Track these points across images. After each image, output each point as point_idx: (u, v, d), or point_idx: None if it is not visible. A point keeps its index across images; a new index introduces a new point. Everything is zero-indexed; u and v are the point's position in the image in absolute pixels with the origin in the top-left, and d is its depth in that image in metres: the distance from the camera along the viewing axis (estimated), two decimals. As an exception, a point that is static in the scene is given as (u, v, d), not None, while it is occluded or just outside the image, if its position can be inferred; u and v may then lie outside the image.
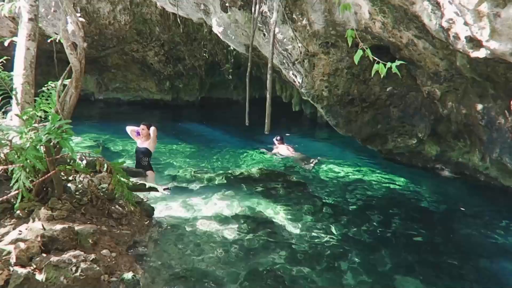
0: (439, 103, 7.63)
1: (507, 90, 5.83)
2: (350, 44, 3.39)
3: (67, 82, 5.11)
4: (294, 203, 7.01)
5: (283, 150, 10.52)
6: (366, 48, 3.35)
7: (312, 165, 9.57)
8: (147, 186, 6.55)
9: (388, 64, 3.07)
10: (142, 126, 7.65)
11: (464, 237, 6.19)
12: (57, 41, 5.90)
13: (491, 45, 4.62)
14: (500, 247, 5.87)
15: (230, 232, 5.78)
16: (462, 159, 8.32)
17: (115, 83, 17.90)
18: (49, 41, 7.25)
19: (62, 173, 5.10)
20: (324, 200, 7.34)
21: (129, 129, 7.80)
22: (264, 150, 10.72)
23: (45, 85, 5.50)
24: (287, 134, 12.79)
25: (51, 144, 4.50)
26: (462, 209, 7.27)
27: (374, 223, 6.47)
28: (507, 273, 5.20)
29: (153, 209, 5.77)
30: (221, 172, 8.63)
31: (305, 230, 6.04)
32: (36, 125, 4.70)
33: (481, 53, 4.94)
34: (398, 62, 3.05)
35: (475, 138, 7.48)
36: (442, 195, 7.88)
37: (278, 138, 10.78)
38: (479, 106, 6.84)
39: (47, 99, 5.40)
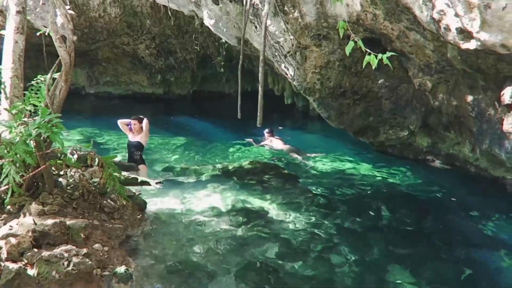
0: (430, 95, 7.68)
1: (497, 81, 5.88)
2: (341, 36, 3.39)
3: (56, 75, 5.05)
4: (286, 196, 7.03)
5: (276, 143, 10.53)
6: (358, 40, 3.35)
7: (307, 155, 9.62)
8: (139, 180, 6.52)
9: (379, 56, 3.08)
10: (133, 121, 7.60)
11: (454, 227, 6.26)
12: (46, 34, 5.81)
13: (482, 37, 4.64)
14: (488, 237, 5.95)
15: (222, 225, 5.79)
16: (452, 151, 8.39)
17: (106, 76, 17.74)
18: (38, 34, 7.14)
19: (53, 168, 5.06)
20: (316, 192, 7.38)
21: (121, 122, 7.75)
22: (250, 140, 10.73)
23: (34, 79, 5.43)
24: (279, 127, 12.80)
25: (41, 138, 4.46)
26: (452, 199, 7.35)
27: (366, 215, 6.51)
28: (494, 262, 5.28)
29: (145, 203, 5.75)
30: (213, 165, 8.62)
31: (297, 222, 6.07)
32: (25, 119, 4.65)
33: (471, 45, 4.97)
34: (389, 54, 3.06)
35: (466, 130, 7.54)
36: (433, 186, 7.96)
37: (268, 130, 10.73)
38: (470, 98, 6.89)
39: (36, 93, 5.34)
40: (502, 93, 5.36)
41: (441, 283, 4.67)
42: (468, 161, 8.10)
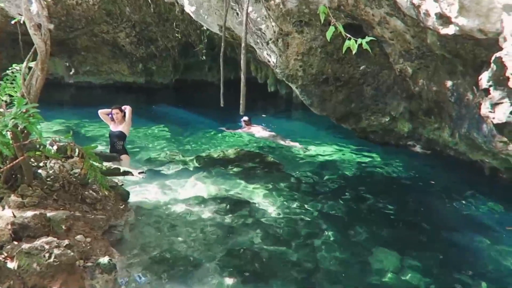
0: (410, 81, 7.76)
1: (475, 66, 5.96)
2: (322, 21, 3.38)
3: (32, 64, 4.92)
4: (271, 183, 7.06)
5: (256, 130, 10.48)
6: (339, 25, 3.34)
7: (289, 142, 9.66)
8: (121, 170, 6.46)
9: (359, 41, 3.08)
10: (114, 111, 7.47)
11: (434, 210, 6.41)
12: (21, 22, 5.64)
13: (460, 22, 4.69)
14: (467, 219, 6.11)
15: (207, 214, 5.79)
16: (433, 136, 8.53)
17: (86, 66, 17.34)
18: (13, 22, 6.91)
19: (31, 159, 4.95)
20: (300, 179, 7.43)
21: (102, 113, 7.61)
22: (223, 129, 10.68)
23: (9, 68, 5.28)
24: (263, 115, 12.79)
25: (18, 129, 4.35)
26: (433, 183, 7.50)
27: (349, 200, 6.60)
28: (472, 242, 5.43)
29: (128, 193, 5.70)
30: (197, 154, 8.58)
31: (282, 209, 6.11)
32: (1, 110, 4.53)
33: (450, 30, 5.02)
34: (368, 39, 3.06)
35: (445, 115, 7.67)
36: (414, 171, 8.10)
37: (246, 119, 10.55)
38: (449, 83, 6.99)
39: (12, 83, 5.20)
40: (480, 78, 5.44)
41: (422, 265, 4.78)
42: (448, 145, 8.25)
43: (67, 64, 17.17)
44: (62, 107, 13.26)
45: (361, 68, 8.27)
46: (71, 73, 12.01)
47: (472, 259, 5.01)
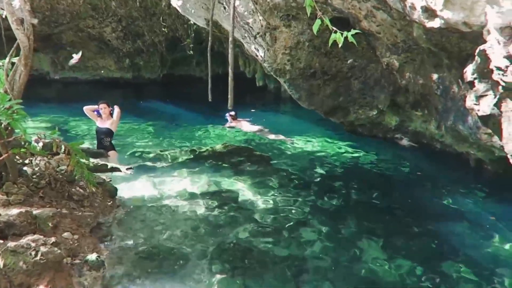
0: (397, 74, 7.82)
1: (461, 59, 6.02)
2: (308, 14, 3.37)
3: (15, 60, 4.83)
4: (260, 177, 7.07)
5: (244, 125, 10.45)
6: (325, 18, 3.34)
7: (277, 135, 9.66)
8: (109, 167, 6.42)
9: (345, 34, 3.09)
10: (102, 106, 7.40)
11: (421, 202, 6.49)
12: (3, 17, 5.53)
13: (445, 15, 4.73)
14: (453, 210, 6.20)
15: (196, 209, 5.78)
16: (419, 128, 8.62)
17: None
18: (-6, 17, 6.78)
19: (16, 156, 4.88)
20: (288, 173, 7.45)
21: (87, 109, 7.53)
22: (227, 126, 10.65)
23: (-8, 64, 5.17)
24: (252, 110, 12.77)
25: (2, 126, 4.28)
26: (420, 175, 7.59)
27: (337, 193, 6.65)
28: (457, 232, 5.52)
29: (116, 189, 5.66)
30: (185, 149, 8.54)
31: (271, 203, 6.13)
32: (-17, 106, 4.44)
33: (435, 23, 5.06)
34: (354, 31, 3.07)
35: (432, 108, 7.75)
36: (401, 164, 8.19)
37: (233, 113, 10.41)
38: (435, 76, 7.06)
39: (-6, 79, 5.09)
40: (465, 70, 5.50)
41: (409, 256, 4.85)
42: (434, 138, 8.35)
43: (53, 60, 16.91)
44: (47, 103, 13.05)
45: (349, 61, 8.30)
46: (74, 60, 11.54)
47: (458, 248, 5.09)
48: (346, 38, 3.23)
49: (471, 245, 5.18)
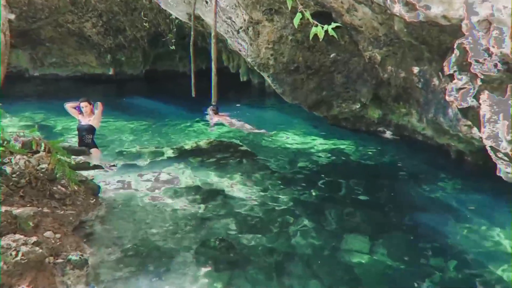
0: (379, 68, 7.89)
1: (441, 52, 6.11)
2: (289, 7, 3.37)
3: (-9, 56, 4.71)
4: (244, 172, 7.08)
5: (227, 120, 10.34)
6: (306, 12, 3.34)
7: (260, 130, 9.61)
8: (91, 164, 6.33)
9: (325, 27, 3.09)
10: (83, 104, 7.27)
11: (403, 194, 6.59)
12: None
13: (424, 8, 4.79)
14: (433, 200, 6.32)
15: (181, 205, 5.75)
16: (402, 121, 8.74)
17: (51, 57, 16.72)
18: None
19: (-6, 155, 4.77)
20: (273, 167, 7.47)
21: (68, 106, 7.39)
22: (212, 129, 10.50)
23: (-33, 61, 5.03)
24: (236, 105, 12.73)
25: (-22, 124, 4.17)
26: (403, 168, 7.70)
27: (322, 187, 6.70)
28: (439, 222, 5.64)
29: (99, 187, 5.59)
30: (169, 145, 8.48)
31: (256, 198, 6.14)
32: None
33: (416, 17, 5.11)
34: (334, 25, 3.08)
35: (413, 101, 7.86)
36: (385, 156, 8.29)
37: (212, 107, 10.15)
38: (416, 69, 7.15)
39: (-30, 76, 4.96)
40: (445, 63, 5.59)
41: (392, 246, 4.93)
42: (416, 130, 8.48)
43: (32, 56, 16.52)
44: (27, 100, 12.76)
45: (331, 56, 8.33)
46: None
47: (439, 238, 5.20)
48: (328, 32, 3.23)
49: (452, 235, 5.30)
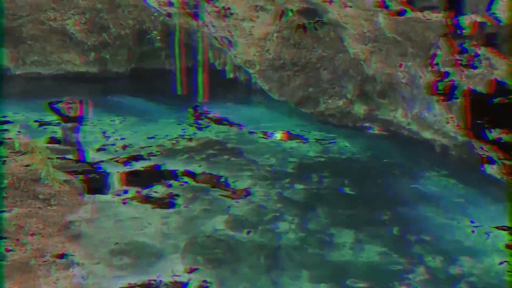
0: (365, 64, 7.95)
1: (425, 48, 6.20)
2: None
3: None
4: (231, 169, 7.06)
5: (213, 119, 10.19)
6: (292, 8, 3.34)
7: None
8: (76, 164, 6.25)
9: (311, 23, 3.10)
10: (67, 103, 7.18)
11: (389, 188, 6.67)
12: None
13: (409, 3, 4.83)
14: (418, 194, 6.41)
15: (168, 203, 5.71)
16: (387, 117, 8.81)
17: (33, 56, 16.37)
18: None
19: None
20: (260, 164, 7.47)
21: (52, 105, 7.29)
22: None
23: None
24: (224, 102, 12.66)
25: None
26: (388, 162, 7.78)
27: (310, 183, 6.72)
28: (423, 215, 5.73)
29: (84, 186, 5.52)
30: (156, 144, 8.41)
31: (244, 195, 6.14)
32: None
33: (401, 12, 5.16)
34: (316, 19, 3.08)
35: (398, 96, 7.94)
36: (371, 151, 8.35)
37: (196, 107, 9.70)
38: (401, 65, 7.23)
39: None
40: (429, 59, 5.67)
41: (378, 239, 4.98)
42: (401, 125, 8.57)
43: (13, 54, 16.18)
44: (9, 99, 12.50)
45: (317, 52, 8.36)
46: None
47: (424, 231, 5.27)
48: (314, 28, 3.23)
49: (437, 228, 5.38)
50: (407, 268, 4.49)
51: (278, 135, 8.88)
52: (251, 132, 9.63)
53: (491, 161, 4.88)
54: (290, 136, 9.18)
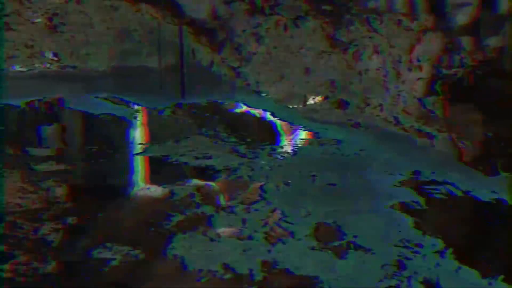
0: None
1: (406, 44, 6.26)
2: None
3: None
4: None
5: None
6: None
7: None
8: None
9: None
10: (48, 102, 7.05)
11: (372, 182, 6.75)
12: None
13: None
14: (402, 188, 6.51)
15: (156, 196, 5.71)
16: (370, 111, 8.88)
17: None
18: None
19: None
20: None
21: (32, 103, 7.13)
22: None
23: None
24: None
25: None
26: (372, 156, 7.86)
27: (293, 178, 6.75)
28: (408, 210, 5.82)
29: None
30: (142, 143, 8.34)
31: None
32: None
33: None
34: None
35: (380, 91, 8.02)
36: (354, 146, 8.41)
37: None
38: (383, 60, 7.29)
39: None
40: (410, 55, 5.74)
41: (363, 234, 5.06)
42: (385, 120, 8.65)
43: None
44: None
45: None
46: None
47: (408, 223, 5.37)
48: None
49: (421, 221, 5.47)
50: (391, 261, 4.54)
51: None
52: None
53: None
54: None
